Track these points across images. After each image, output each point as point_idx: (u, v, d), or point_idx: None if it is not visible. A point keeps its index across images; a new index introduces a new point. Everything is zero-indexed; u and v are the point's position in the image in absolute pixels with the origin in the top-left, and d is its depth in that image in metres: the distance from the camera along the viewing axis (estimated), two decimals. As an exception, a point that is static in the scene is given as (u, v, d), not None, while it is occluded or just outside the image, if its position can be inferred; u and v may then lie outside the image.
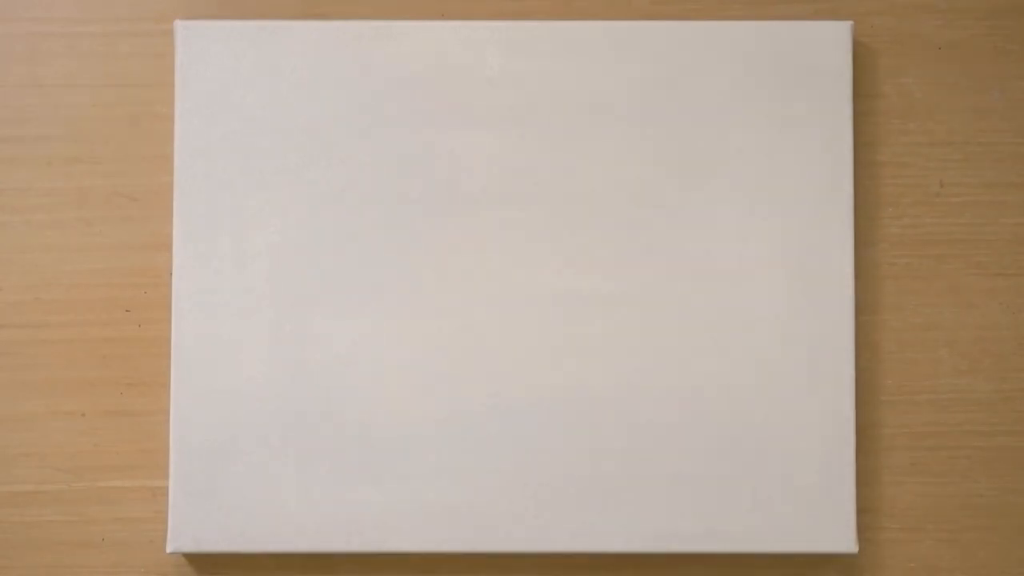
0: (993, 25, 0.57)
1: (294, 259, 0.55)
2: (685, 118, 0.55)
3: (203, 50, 0.55)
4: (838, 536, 0.54)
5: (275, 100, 0.55)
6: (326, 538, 0.54)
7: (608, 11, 0.57)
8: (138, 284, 0.56)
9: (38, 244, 0.57)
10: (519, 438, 0.55)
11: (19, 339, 0.56)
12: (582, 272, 0.55)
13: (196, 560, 0.56)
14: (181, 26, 0.55)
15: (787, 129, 0.55)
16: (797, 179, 0.55)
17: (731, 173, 0.55)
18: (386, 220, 0.55)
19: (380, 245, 0.55)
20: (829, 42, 0.55)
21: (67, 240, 0.57)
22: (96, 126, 0.57)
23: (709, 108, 0.55)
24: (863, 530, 0.56)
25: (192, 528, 0.54)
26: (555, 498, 0.54)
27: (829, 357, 0.55)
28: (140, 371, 0.56)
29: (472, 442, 0.55)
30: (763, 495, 0.54)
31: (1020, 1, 0.57)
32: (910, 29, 0.57)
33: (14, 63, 0.57)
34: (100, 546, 0.56)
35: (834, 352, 0.55)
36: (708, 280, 0.55)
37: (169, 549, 0.54)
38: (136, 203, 0.57)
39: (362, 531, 0.54)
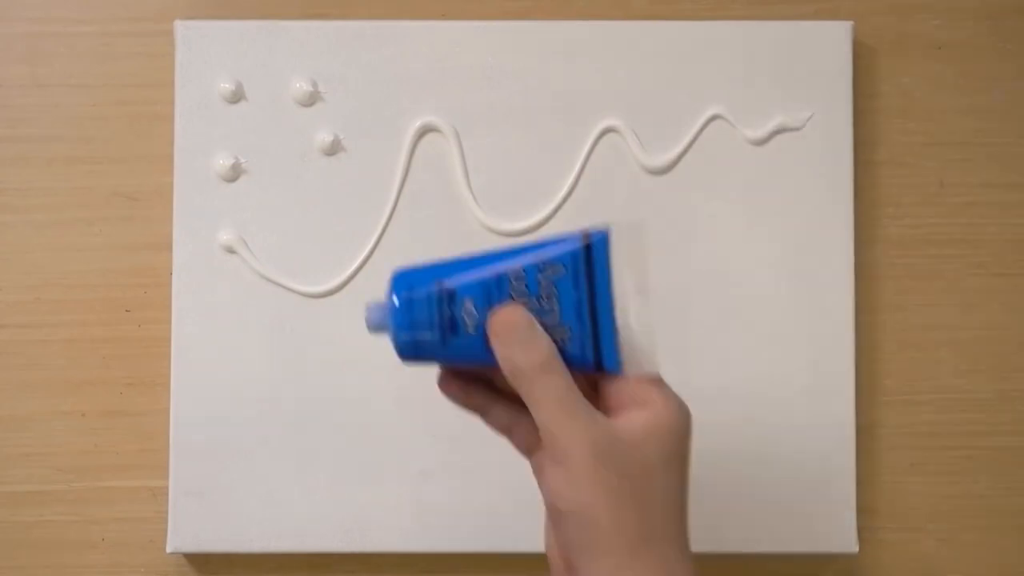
0: (993, 25, 0.57)
1: (294, 259, 0.55)
2: (685, 118, 0.55)
3: (203, 50, 0.55)
4: (838, 536, 0.54)
5: (275, 100, 0.55)
6: (326, 538, 0.54)
7: (608, 11, 0.57)
8: (138, 284, 0.56)
9: (38, 244, 0.57)
10: (519, 438, 0.54)
11: (19, 339, 0.56)
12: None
13: (196, 560, 0.56)
14: (181, 26, 0.55)
15: (787, 129, 0.55)
16: (797, 179, 0.55)
17: (731, 173, 0.55)
18: (386, 219, 0.55)
19: (380, 244, 0.55)
20: (829, 42, 0.55)
21: (67, 240, 0.56)
22: (96, 126, 0.57)
23: (709, 108, 0.55)
24: (863, 530, 0.56)
25: (192, 528, 0.54)
26: (555, 498, 0.54)
27: (829, 357, 0.55)
28: (140, 371, 0.56)
29: (472, 442, 0.55)
30: (764, 495, 0.54)
31: (1020, 1, 0.57)
32: (910, 29, 0.57)
33: (14, 63, 0.57)
34: (100, 546, 0.56)
35: (834, 352, 0.55)
36: (708, 280, 0.55)
37: (169, 549, 0.54)
38: (136, 203, 0.57)
39: (362, 531, 0.54)
